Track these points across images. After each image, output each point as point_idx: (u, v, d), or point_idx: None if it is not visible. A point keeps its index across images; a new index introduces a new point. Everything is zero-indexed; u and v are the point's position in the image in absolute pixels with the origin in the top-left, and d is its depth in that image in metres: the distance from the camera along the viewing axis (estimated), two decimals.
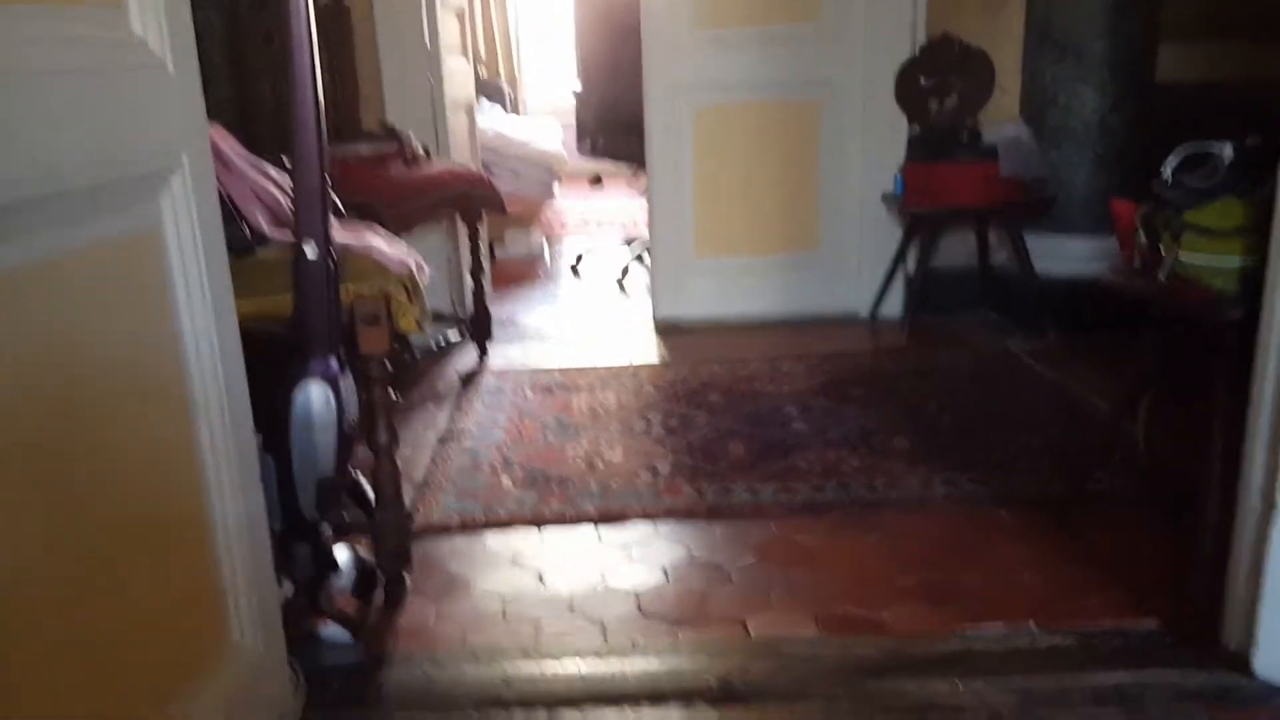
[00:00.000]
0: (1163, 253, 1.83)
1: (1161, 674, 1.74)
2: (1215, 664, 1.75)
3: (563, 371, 3.55)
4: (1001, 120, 3.73)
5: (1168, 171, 1.85)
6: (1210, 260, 1.78)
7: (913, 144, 3.78)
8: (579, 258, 5.38)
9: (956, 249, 4.01)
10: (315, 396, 1.81)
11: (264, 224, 1.93)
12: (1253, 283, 1.68)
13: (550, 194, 6.04)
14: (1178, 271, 1.83)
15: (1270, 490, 1.63)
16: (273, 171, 2.11)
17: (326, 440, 1.82)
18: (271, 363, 1.81)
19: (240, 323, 1.63)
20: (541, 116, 7.75)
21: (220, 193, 1.84)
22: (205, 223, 1.46)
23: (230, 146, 2.05)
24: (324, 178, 1.75)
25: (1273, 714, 1.64)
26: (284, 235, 1.90)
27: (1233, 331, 1.77)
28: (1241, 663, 1.72)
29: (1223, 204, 1.78)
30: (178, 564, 1.44)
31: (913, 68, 3.73)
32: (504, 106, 6.91)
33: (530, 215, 6.07)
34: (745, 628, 1.95)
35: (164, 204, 1.39)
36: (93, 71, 1.22)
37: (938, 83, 3.68)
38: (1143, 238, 1.91)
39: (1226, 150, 1.80)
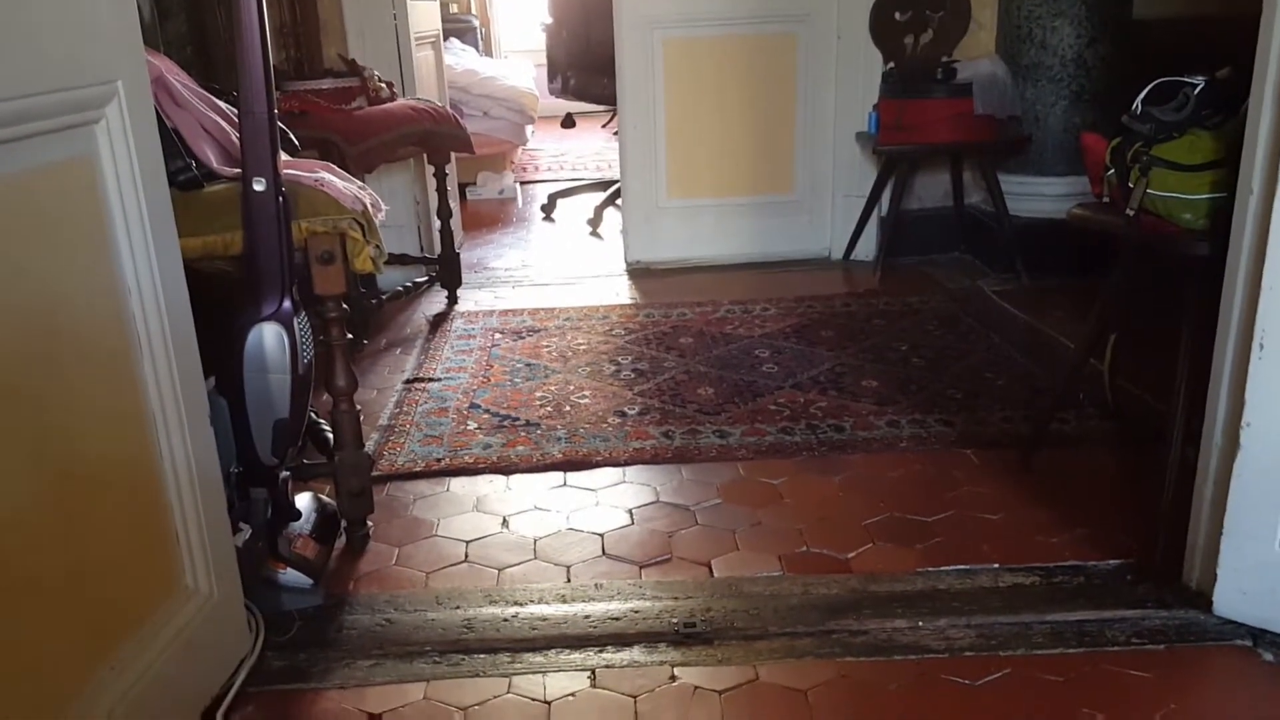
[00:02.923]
0: (1131, 187, 1.80)
1: (1123, 611, 1.74)
2: (1177, 602, 1.76)
3: (532, 314, 3.51)
4: (977, 56, 3.67)
5: (1137, 103, 1.81)
6: (1179, 194, 1.75)
7: (887, 79, 3.71)
8: (551, 200, 5.30)
9: (931, 190, 3.98)
10: (269, 337, 1.76)
11: (213, 159, 1.87)
12: (1221, 218, 1.66)
13: (523, 137, 5.92)
14: (1146, 206, 1.80)
15: (1234, 428, 1.62)
16: (224, 105, 2.03)
17: (281, 382, 1.77)
18: (223, 303, 1.76)
19: (189, 262, 1.58)
20: (515, 57, 7.60)
21: (167, 126, 1.78)
22: (144, 155, 1.41)
23: (179, 79, 1.97)
24: (271, 109, 1.69)
25: (1232, 651, 1.65)
26: (234, 171, 1.83)
27: (1200, 267, 1.74)
28: (1203, 600, 1.73)
29: (1192, 137, 1.75)
30: (124, 507, 1.40)
31: (888, 1, 3.65)
32: (476, 49, 6.76)
33: (503, 157, 5.96)
34: (709, 569, 1.94)
35: (99, 134, 1.34)
36: None
37: (913, 17, 3.61)
38: (1112, 171, 1.88)
39: (1196, 83, 1.76)
